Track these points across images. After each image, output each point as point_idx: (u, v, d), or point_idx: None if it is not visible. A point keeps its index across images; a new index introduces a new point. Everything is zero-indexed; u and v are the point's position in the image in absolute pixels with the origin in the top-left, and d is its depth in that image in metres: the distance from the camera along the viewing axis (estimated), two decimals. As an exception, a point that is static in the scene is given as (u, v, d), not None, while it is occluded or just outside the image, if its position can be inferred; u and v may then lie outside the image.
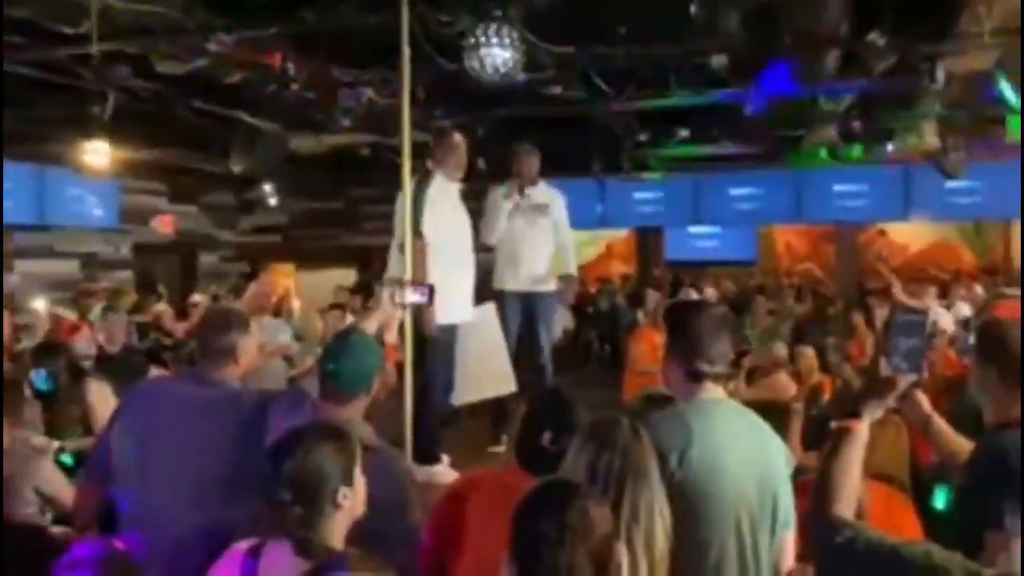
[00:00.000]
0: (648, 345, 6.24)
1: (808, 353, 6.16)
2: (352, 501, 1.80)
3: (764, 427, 2.30)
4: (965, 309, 7.22)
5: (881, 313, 7.09)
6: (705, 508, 2.08)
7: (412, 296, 2.90)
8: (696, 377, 2.23)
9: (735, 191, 10.69)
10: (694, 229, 12.28)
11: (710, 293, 10.52)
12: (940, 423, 2.32)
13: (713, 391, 2.25)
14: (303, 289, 11.88)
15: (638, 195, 10.79)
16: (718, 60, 4.97)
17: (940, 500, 2.87)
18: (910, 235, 12.29)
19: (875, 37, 4.72)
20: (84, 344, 5.66)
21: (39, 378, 3.99)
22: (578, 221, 11.72)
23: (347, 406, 2.41)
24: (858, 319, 6.29)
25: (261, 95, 6.15)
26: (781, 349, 6.24)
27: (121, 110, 6.39)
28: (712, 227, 12.26)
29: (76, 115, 6.23)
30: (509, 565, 1.57)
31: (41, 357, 4.25)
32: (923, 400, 2.36)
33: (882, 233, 12.31)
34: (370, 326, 2.74)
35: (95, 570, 2.16)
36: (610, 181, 9.81)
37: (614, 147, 8.80)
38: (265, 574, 1.55)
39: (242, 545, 1.66)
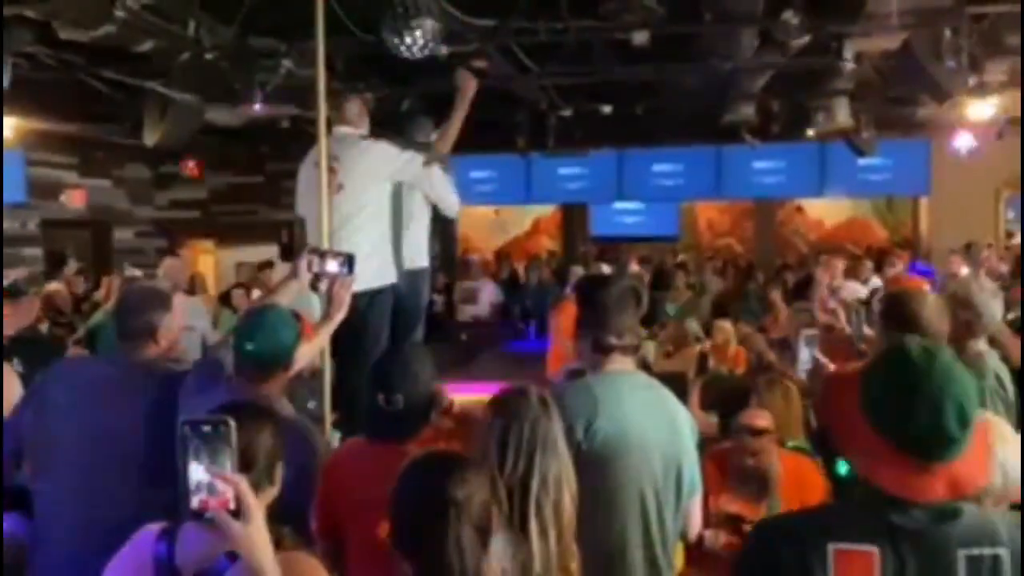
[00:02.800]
0: (569, 320, 6.29)
1: (725, 326, 6.34)
2: (279, 478, 1.79)
3: (670, 399, 2.36)
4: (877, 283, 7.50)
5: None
6: (610, 477, 2.14)
7: (331, 266, 2.84)
8: (604, 350, 2.27)
9: (658, 167, 10.85)
10: (619, 205, 12.43)
11: (635, 268, 10.72)
12: None
13: (621, 363, 2.30)
14: (225, 265, 11.62)
15: (563, 171, 10.86)
16: (639, 36, 5.00)
17: (843, 468, 3.00)
18: (826, 211, 12.71)
19: (788, 16, 4.82)
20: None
21: None
22: (505, 197, 11.77)
23: (264, 384, 2.38)
24: (775, 294, 6.48)
25: (174, 65, 5.94)
26: (694, 324, 6.39)
27: (26, 79, 6.08)
28: (636, 203, 12.44)
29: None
30: (393, 544, 1.58)
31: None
32: None
33: (799, 209, 12.69)
34: (283, 299, 2.69)
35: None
36: (535, 157, 9.83)
37: (539, 123, 8.81)
38: (182, 556, 1.51)
39: (153, 527, 1.61)
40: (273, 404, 2.22)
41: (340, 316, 2.87)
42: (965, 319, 3.01)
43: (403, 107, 8.21)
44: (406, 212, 4.77)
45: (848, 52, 5.14)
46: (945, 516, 1.39)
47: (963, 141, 8.67)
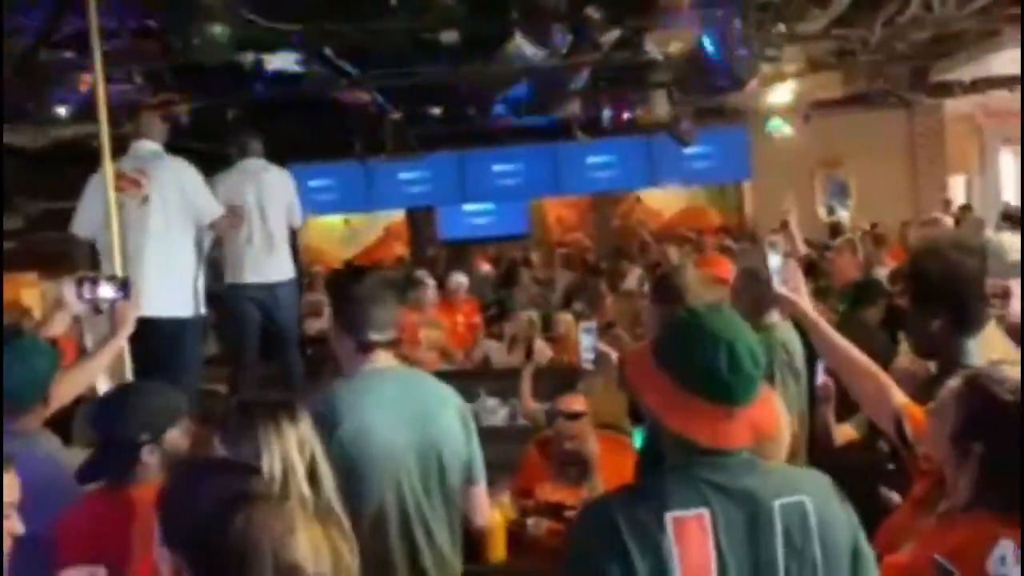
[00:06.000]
0: (406, 327, 6.26)
1: (565, 318, 6.48)
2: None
3: (431, 390, 2.34)
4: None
5: (634, 281, 7.58)
6: (357, 479, 2.10)
7: (106, 291, 2.66)
8: (366, 347, 2.22)
9: (498, 167, 10.95)
10: (468, 207, 12.47)
11: (485, 268, 10.78)
12: None
13: (384, 359, 2.26)
14: (51, 297, 10.86)
15: (404, 175, 10.79)
16: (448, 35, 5.02)
17: (638, 439, 3.12)
18: (664, 201, 13.21)
19: (592, 11, 4.96)
20: None
21: None
22: (346, 204, 11.57)
23: (18, 419, 2.21)
24: (603, 285, 6.66)
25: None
26: (534, 316, 6.50)
27: None
28: (485, 204, 12.52)
29: None
30: (172, 558, 1.50)
31: None
32: (616, 360, 2.56)
33: (638, 200, 13.14)
34: (56, 328, 2.51)
35: None
36: (374, 162, 9.73)
37: (373, 127, 8.72)
38: None
39: None
40: (36, 442, 2.06)
41: (124, 336, 2.71)
42: (756, 291, 3.15)
43: (228, 116, 7.97)
44: (273, 225, 4.94)
45: (650, 45, 5.35)
46: (754, 469, 1.51)
47: (772, 126, 9.22)
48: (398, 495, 2.17)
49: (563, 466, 3.52)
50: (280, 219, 5.03)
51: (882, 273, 5.56)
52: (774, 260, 2.23)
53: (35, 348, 2.26)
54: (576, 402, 3.51)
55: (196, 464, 1.68)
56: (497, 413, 5.31)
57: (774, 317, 3.19)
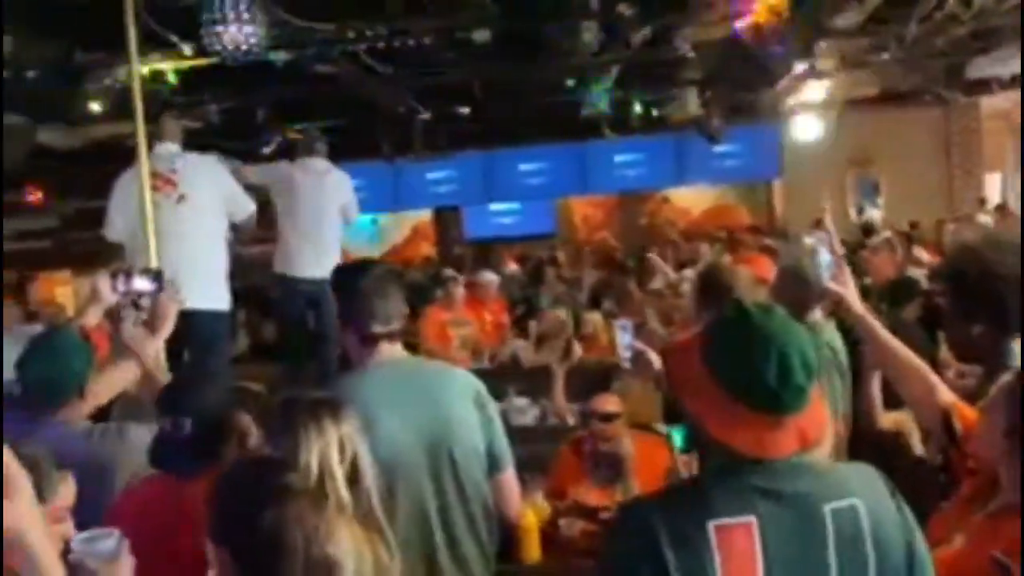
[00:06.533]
0: (434, 324, 6.27)
1: (594, 317, 6.44)
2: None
3: (446, 380, 2.27)
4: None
5: (662, 279, 7.52)
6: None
7: (140, 284, 2.69)
8: (370, 340, 2.19)
9: (524, 166, 10.93)
10: (494, 206, 12.47)
11: (511, 267, 10.76)
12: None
13: (389, 352, 2.21)
14: (84, 295, 10.99)
15: (431, 175, 10.80)
16: (481, 35, 5.01)
17: (679, 439, 3.08)
18: (693, 200, 13.12)
19: (624, 9, 4.92)
20: None
21: None
22: (375, 204, 11.63)
23: (57, 412, 2.23)
24: (632, 285, 6.62)
25: (-4, 85, 5.55)
26: (563, 314, 6.47)
27: None
28: (511, 203, 12.50)
29: None
30: (219, 552, 1.50)
31: None
32: (654, 359, 2.52)
33: (666, 200, 13.06)
34: (89, 320, 2.53)
35: None
36: (402, 162, 9.75)
37: (403, 127, 8.74)
38: None
39: None
40: (68, 434, 2.08)
41: (165, 332, 2.73)
42: (799, 290, 3.11)
43: (258, 116, 8.03)
44: (327, 224, 5.21)
45: (682, 42, 5.30)
46: (803, 472, 1.42)
47: (805, 123, 9.11)
48: (408, 493, 2.10)
49: (597, 467, 3.50)
50: (335, 219, 5.29)
51: (918, 272, 5.48)
52: (824, 257, 2.19)
53: (71, 343, 2.28)
54: (611, 402, 3.48)
55: (241, 461, 1.68)
56: (527, 413, 5.27)
57: (817, 315, 3.15)
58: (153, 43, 4.47)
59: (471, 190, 11.11)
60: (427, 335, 6.08)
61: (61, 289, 11.27)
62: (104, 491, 1.99)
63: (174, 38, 4.24)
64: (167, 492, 1.90)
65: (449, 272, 7.51)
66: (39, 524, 1.26)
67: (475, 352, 6.35)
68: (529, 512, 2.93)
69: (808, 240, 3.38)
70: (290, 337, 5.42)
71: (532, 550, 3.04)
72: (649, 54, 6.15)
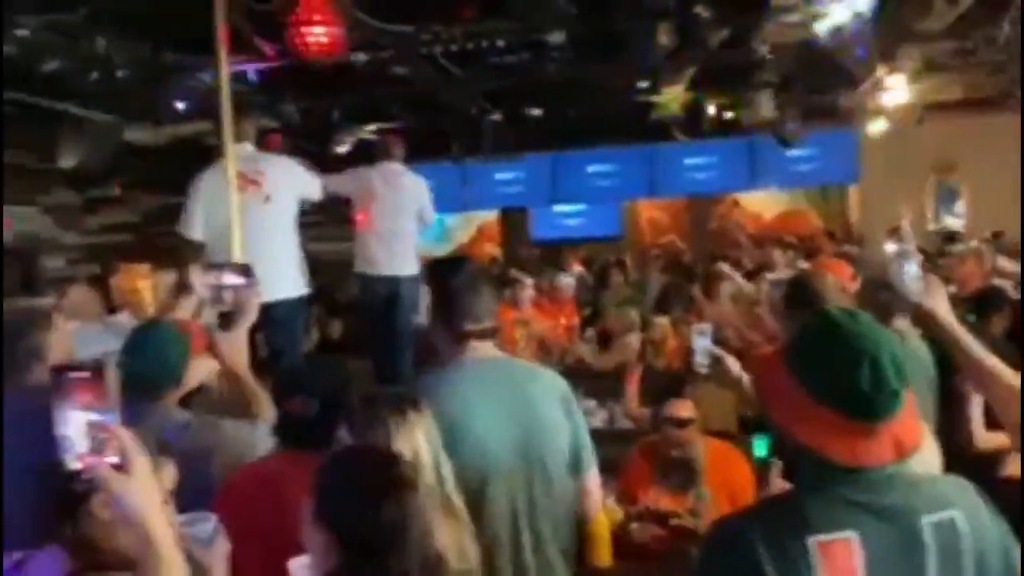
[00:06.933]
0: (504, 322, 6.29)
1: (660, 322, 6.38)
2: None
3: (536, 379, 2.27)
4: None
5: (731, 286, 7.40)
6: (456, 470, 2.01)
7: (230, 278, 2.81)
8: (461, 337, 2.20)
9: (592, 168, 10.88)
10: (559, 208, 12.45)
11: (577, 269, 10.73)
12: (751, 383, 2.43)
13: (481, 350, 2.22)
14: (162, 289, 11.34)
15: (499, 176, 10.83)
16: (556, 36, 5.01)
17: (760, 449, 3.03)
18: (763, 204, 12.87)
19: (701, 10, 4.86)
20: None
21: None
22: (442, 205, 11.73)
23: (157, 403, 2.31)
24: (696, 292, 6.54)
25: (86, 84, 5.78)
26: (633, 315, 6.44)
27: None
28: (577, 205, 12.47)
29: None
30: (323, 535, 1.52)
31: None
32: (732, 365, 2.47)
33: (735, 204, 12.85)
34: (182, 312, 2.63)
35: None
36: (470, 163, 9.80)
37: (472, 128, 8.79)
38: None
39: (10, 560, 1.55)
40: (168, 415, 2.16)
41: (247, 323, 2.82)
42: (884, 299, 3.04)
43: (334, 116, 8.18)
44: (403, 224, 5.47)
45: (760, 44, 5.21)
46: (899, 483, 1.40)
47: (884, 127, 8.85)
48: (499, 492, 2.10)
49: (668, 472, 3.48)
50: (411, 219, 5.52)
51: (1005, 283, 5.28)
52: (911, 267, 2.13)
53: (170, 335, 2.36)
54: (684, 408, 3.45)
55: (351, 449, 1.71)
56: (595, 415, 5.26)
57: (902, 323, 3.07)
58: (237, 43, 4.57)
59: (538, 191, 11.11)
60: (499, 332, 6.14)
61: (141, 282, 11.63)
62: (200, 479, 2.05)
63: (259, 39, 4.34)
64: (293, 466, 1.95)
65: (516, 272, 7.54)
66: (159, 508, 1.29)
67: (543, 353, 6.36)
68: (601, 516, 2.92)
69: (892, 247, 3.29)
70: (369, 333, 5.60)
71: (603, 554, 3.04)
72: (725, 56, 6.07)
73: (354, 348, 6.46)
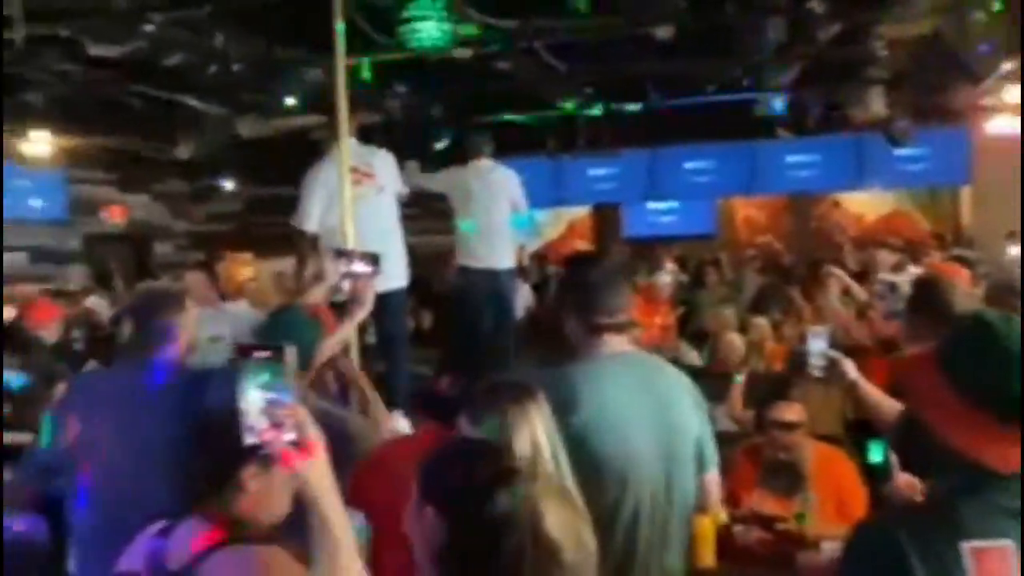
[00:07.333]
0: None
1: (759, 323, 6.25)
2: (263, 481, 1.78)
3: (672, 377, 2.27)
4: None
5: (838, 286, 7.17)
6: (589, 471, 2.00)
7: (358, 266, 2.96)
8: (595, 330, 2.20)
9: (689, 164, 10.70)
10: (652, 205, 12.30)
11: (670, 267, 10.59)
12: (866, 386, 2.36)
13: (615, 344, 2.22)
14: (263, 277, 11.74)
15: (592, 172, 10.77)
16: (663, 30, 4.95)
17: (876, 454, 2.93)
18: (865, 205, 12.42)
19: (815, 5, 4.73)
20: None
21: (16, 379, 3.93)
22: (535, 201, 11.78)
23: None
24: (795, 293, 6.39)
25: (204, 78, 6.02)
26: (730, 315, 6.34)
27: (62, 98, 6.21)
28: (669, 202, 12.30)
29: (14, 105, 6.08)
30: (433, 516, 1.55)
31: (18, 353, 4.18)
32: (849, 368, 2.40)
33: (836, 204, 12.44)
34: (315, 297, 2.75)
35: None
36: (564, 159, 9.79)
37: (568, 124, 8.78)
38: (173, 551, 1.52)
39: (157, 525, 1.63)
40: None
41: (364, 312, 2.93)
42: (1010, 305, 2.92)
43: (432, 112, 8.29)
44: (497, 218, 5.64)
45: (877, 40, 5.02)
46: None
47: (1002, 127, 8.41)
48: (634, 491, 2.10)
49: (774, 476, 3.42)
50: (505, 213, 5.67)
51: None
52: None
53: (302, 320, 2.45)
54: (792, 411, 3.38)
55: (461, 439, 1.75)
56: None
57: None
58: (351, 39, 4.69)
59: (633, 187, 11.01)
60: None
61: (243, 269, 12.06)
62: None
63: (374, 34, 4.44)
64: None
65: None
66: (333, 489, 1.31)
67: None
68: (705, 518, 2.89)
69: (1015, 251, 3.13)
70: (470, 323, 5.77)
71: (707, 556, 3.00)
72: (834, 51, 5.89)
73: (444, 338, 6.63)
